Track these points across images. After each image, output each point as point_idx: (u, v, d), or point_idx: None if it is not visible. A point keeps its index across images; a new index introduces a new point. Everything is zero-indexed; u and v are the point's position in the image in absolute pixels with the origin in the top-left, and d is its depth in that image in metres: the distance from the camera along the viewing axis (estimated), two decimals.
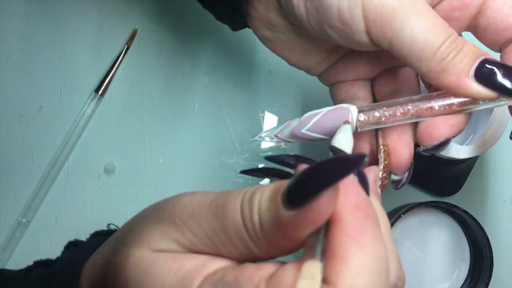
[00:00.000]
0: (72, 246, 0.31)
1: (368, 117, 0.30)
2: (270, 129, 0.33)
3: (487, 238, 0.44)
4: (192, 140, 0.51)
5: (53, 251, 0.48)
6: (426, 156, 0.45)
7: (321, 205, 0.19)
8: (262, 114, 0.52)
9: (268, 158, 0.28)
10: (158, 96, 0.51)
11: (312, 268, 0.19)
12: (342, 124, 0.30)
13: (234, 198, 0.22)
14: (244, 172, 0.28)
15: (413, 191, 0.52)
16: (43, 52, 0.50)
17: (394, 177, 0.33)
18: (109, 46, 0.51)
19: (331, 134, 0.30)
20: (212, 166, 0.51)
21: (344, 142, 0.28)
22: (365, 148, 0.33)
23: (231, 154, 0.51)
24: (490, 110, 0.44)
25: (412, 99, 0.30)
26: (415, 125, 0.32)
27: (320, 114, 0.31)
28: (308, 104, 0.52)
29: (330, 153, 0.27)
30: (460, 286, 0.47)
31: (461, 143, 0.44)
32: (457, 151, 0.43)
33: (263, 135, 0.33)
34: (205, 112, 0.51)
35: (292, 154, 0.26)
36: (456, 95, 0.29)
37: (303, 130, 0.31)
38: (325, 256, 0.20)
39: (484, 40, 0.31)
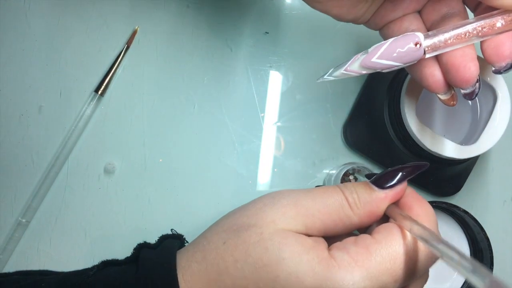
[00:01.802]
0: (145, 248, 0.34)
1: (434, 41, 0.32)
2: (336, 67, 0.34)
3: (487, 238, 0.44)
4: (192, 140, 0.51)
5: (53, 251, 0.48)
6: (426, 156, 0.45)
7: (400, 189, 0.32)
8: (262, 114, 0.52)
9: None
10: (157, 96, 0.51)
11: (408, 217, 0.30)
12: (411, 47, 0.32)
13: (332, 187, 0.32)
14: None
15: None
16: (43, 52, 0.50)
17: (465, 91, 0.34)
18: (109, 46, 0.51)
19: (402, 60, 0.32)
20: (212, 166, 0.51)
21: None
22: (437, 74, 0.34)
23: (231, 154, 0.51)
24: (491, 110, 0.44)
25: (473, 20, 0.31)
26: (473, 45, 0.33)
27: (388, 43, 0.32)
28: (308, 104, 0.52)
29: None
30: (460, 286, 0.47)
31: (461, 143, 0.44)
32: (457, 151, 0.43)
33: (333, 73, 0.34)
34: (205, 112, 0.51)
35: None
36: None
37: (374, 59, 0.32)
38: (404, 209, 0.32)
39: None
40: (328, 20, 0.38)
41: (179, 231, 0.41)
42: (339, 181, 0.48)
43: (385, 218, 0.33)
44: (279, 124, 0.52)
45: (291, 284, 0.29)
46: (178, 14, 0.52)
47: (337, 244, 0.31)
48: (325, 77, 0.35)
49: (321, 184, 0.52)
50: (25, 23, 0.50)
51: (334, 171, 0.50)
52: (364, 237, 0.31)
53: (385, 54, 0.32)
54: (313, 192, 0.32)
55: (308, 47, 0.53)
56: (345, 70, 0.34)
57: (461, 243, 0.48)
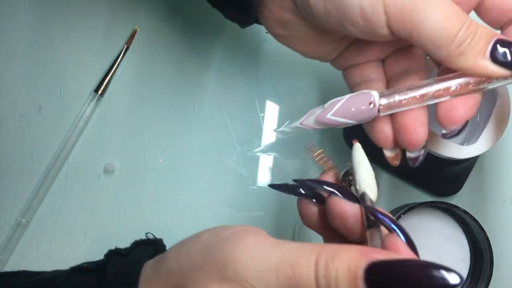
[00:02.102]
0: (116, 255, 0.32)
1: (390, 101, 0.32)
2: (291, 120, 0.35)
3: (487, 238, 0.44)
4: (192, 140, 0.51)
5: (53, 251, 0.48)
6: (425, 156, 0.45)
7: None
8: (262, 114, 0.52)
9: (275, 187, 0.31)
10: (157, 96, 0.51)
11: None
12: (365, 107, 0.32)
13: (305, 268, 0.23)
14: (272, 186, 0.30)
15: (413, 191, 0.52)
16: (43, 52, 0.50)
17: (410, 155, 0.35)
18: (108, 46, 0.51)
19: (356, 119, 0.32)
20: (212, 166, 0.51)
21: (366, 177, 0.29)
22: (387, 131, 0.34)
23: (231, 154, 0.51)
24: (491, 110, 0.44)
25: (429, 82, 0.32)
26: (426, 108, 0.34)
27: (344, 100, 0.32)
28: (308, 104, 0.52)
29: (356, 191, 0.29)
30: (460, 286, 0.47)
31: (461, 143, 0.44)
32: (457, 151, 0.43)
33: (289, 125, 0.35)
34: (205, 112, 0.51)
35: (298, 184, 0.29)
36: (473, 76, 0.31)
37: (328, 116, 0.33)
38: None
39: (487, 19, 0.33)
40: None
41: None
42: (339, 181, 0.48)
43: None
44: (277, 133, 0.52)
45: None
46: (177, 14, 0.52)
47: None
48: (282, 129, 0.35)
49: None
50: (25, 23, 0.50)
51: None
52: None
53: (340, 112, 0.32)
54: (277, 270, 0.24)
55: None
56: (300, 123, 0.34)
57: (461, 243, 0.48)
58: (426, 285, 0.21)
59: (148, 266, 0.30)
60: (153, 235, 0.35)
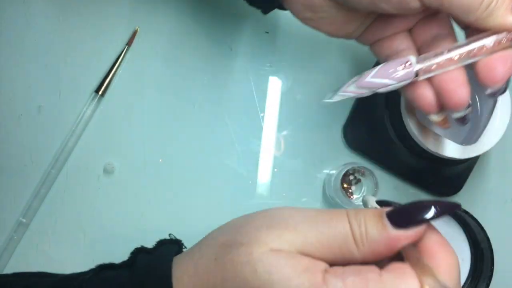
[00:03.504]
0: (142, 252, 0.34)
1: (426, 64, 0.33)
2: (334, 90, 0.36)
3: (487, 238, 0.44)
4: (192, 140, 0.51)
5: (53, 251, 0.48)
6: (426, 156, 0.45)
7: (421, 230, 0.28)
8: (262, 114, 0.52)
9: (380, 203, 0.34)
10: (157, 96, 0.51)
11: (426, 263, 0.27)
12: (403, 66, 0.34)
13: (340, 214, 0.28)
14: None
15: (413, 191, 0.52)
16: (42, 52, 0.50)
17: (457, 115, 0.36)
18: (108, 46, 0.51)
19: (395, 78, 0.34)
20: (212, 166, 0.51)
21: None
22: (429, 96, 0.35)
23: (231, 154, 0.51)
24: (492, 110, 0.44)
25: (463, 43, 0.33)
26: (463, 69, 0.35)
27: (381, 65, 0.34)
28: (308, 104, 0.52)
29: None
30: (460, 286, 0.47)
31: (462, 143, 0.44)
32: (458, 151, 0.43)
33: (332, 97, 0.36)
34: (205, 112, 0.51)
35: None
36: (505, 31, 0.32)
37: (368, 78, 0.34)
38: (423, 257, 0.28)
39: None
40: None
41: (179, 231, 0.41)
42: (339, 181, 0.48)
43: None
44: (281, 131, 0.52)
45: None
46: (178, 14, 0.52)
47: (337, 268, 0.28)
48: (326, 100, 0.37)
49: (321, 184, 0.52)
50: (24, 23, 0.50)
51: (334, 171, 0.50)
52: (370, 269, 0.27)
53: (380, 73, 0.34)
54: (316, 217, 0.28)
55: (308, 47, 0.53)
56: (343, 91, 0.36)
57: (462, 244, 0.48)
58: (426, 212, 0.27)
59: (178, 269, 0.31)
60: (175, 237, 0.37)
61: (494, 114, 0.44)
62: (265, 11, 0.40)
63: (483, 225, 0.44)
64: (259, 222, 0.29)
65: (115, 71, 0.50)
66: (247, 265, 0.28)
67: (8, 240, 0.48)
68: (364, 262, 0.28)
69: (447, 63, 0.33)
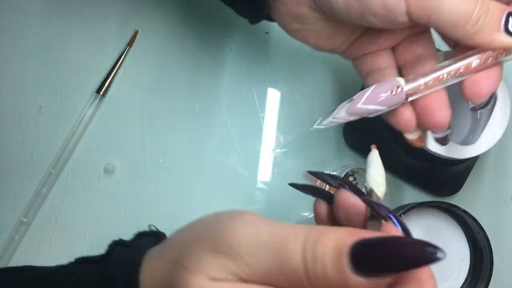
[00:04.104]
0: (119, 245, 0.33)
1: (415, 85, 0.33)
2: (324, 116, 0.36)
3: (487, 238, 0.44)
4: (192, 140, 0.51)
5: (53, 251, 0.48)
6: (426, 156, 0.45)
7: (390, 278, 0.22)
8: (262, 114, 0.52)
9: (296, 186, 0.32)
10: (158, 97, 0.51)
11: None
12: (394, 92, 0.33)
13: (294, 243, 0.23)
14: (293, 185, 0.31)
15: (413, 191, 0.52)
16: (43, 52, 0.50)
17: (437, 135, 0.37)
18: (109, 46, 0.51)
19: (386, 104, 0.33)
20: (212, 166, 0.51)
21: (376, 175, 0.30)
22: (408, 115, 0.35)
23: (231, 154, 0.51)
24: (491, 110, 0.44)
25: (450, 62, 0.33)
26: (445, 90, 0.35)
27: (371, 89, 0.34)
28: (308, 104, 0.52)
29: (366, 192, 0.29)
30: (460, 286, 0.47)
31: (461, 143, 0.44)
32: (457, 151, 0.43)
33: (322, 122, 0.36)
34: (205, 112, 0.51)
35: (331, 173, 0.29)
36: (491, 49, 0.32)
37: (359, 105, 0.34)
38: None
39: None
40: None
41: None
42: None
43: None
44: (281, 131, 0.52)
45: None
46: (178, 14, 0.52)
47: None
48: (315, 126, 0.36)
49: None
50: (25, 23, 0.50)
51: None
52: None
53: (370, 100, 0.34)
54: (268, 245, 0.24)
55: (308, 47, 0.53)
56: (333, 118, 0.35)
57: (461, 243, 0.48)
58: (415, 259, 0.21)
59: (151, 252, 0.30)
60: (156, 228, 0.35)
61: (493, 114, 0.44)
62: (253, 21, 0.40)
63: (482, 224, 0.44)
64: (207, 242, 0.26)
65: (116, 72, 0.50)
66: None
67: (9, 240, 0.48)
68: None
69: (435, 83, 0.33)
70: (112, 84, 0.50)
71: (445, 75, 0.33)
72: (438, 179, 0.51)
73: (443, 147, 0.43)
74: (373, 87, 0.34)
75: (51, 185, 0.49)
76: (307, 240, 0.23)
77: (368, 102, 0.34)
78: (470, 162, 0.50)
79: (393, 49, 0.38)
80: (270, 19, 0.39)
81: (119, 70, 0.50)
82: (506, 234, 0.52)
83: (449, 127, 0.36)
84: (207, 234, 0.26)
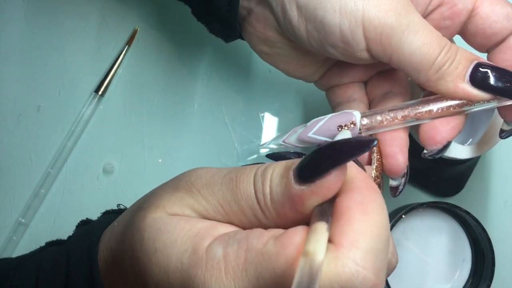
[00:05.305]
0: (84, 224, 0.33)
1: (371, 121, 0.32)
2: (276, 137, 0.35)
3: (488, 238, 0.44)
4: (192, 140, 0.51)
5: None
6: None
7: (331, 181, 0.22)
8: (262, 114, 0.52)
9: (271, 156, 0.30)
10: (157, 96, 0.51)
11: (320, 229, 0.21)
12: (344, 128, 0.32)
13: (248, 172, 0.24)
14: (269, 156, 0.31)
15: (414, 191, 0.52)
16: (41, 52, 0.50)
17: (392, 182, 0.34)
18: (108, 46, 0.50)
19: (336, 138, 0.32)
20: (212, 166, 0.50)
21: None
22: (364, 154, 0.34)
23: (231, 154, 0.51)
24: (492, 110, 0.44)
25: (411, 104, 0.32)
26: (408, 131, 0.34)
27: (326, 119, 0.33)
28: (308, 104, 0.52)
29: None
30: (461, 287, 0.47)
31: (463, 144, 0.44)
32: (459, 151, 0.43)
33: (271, 143, 0.35)
34: (205, 112, 0.51)
35: (293, 151, 0.30)
36: (454, 99, 0.31)
37: (310, 134, 0.33)
38: (332, 220, 0.21)
39: (473, 44, 0.33)
40: None
41: None
42: None
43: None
44: (281, 131, 0.52)
45: (160, 280, 0.24)
46: (178, 13, 0.52)
47: (231, 233, 0.23)
48: (267, 145, 0.35)
49: None
50: (24, 22, 0.50)
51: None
52: (258, 236, 0.22)
53: (321, 131, 0.32)
54: (224, 178, 0.25)
55: None
56: (282, 141, 0.34)
57: (463, 244, 0.47)
58: (349, 146, 0.22)
59: (103, 239, 0.29)
60: (125, 206, 0.35)
61: (495, 114, 0.44)
62: (226, 40, 0.39)
63: (484, 225, 0.44)
64: (167, 185, 0.27)
65: (115, 71, 0.50)
66: (137, 232, 0.25)
67: (7, 241, 0.47)
68: (279, 227, 0.23)
69: (393, 122, 0.32)
70: (111, 83, 0.50)
71: (403, 116, 0.32)
72: (440, 179, 0.51)
73: None
74: (328, 117, 0.33)
75: (50, 185, 0.48)
76: (257, 171, 0.24)
77: (319, 133, 0.32)
78: (472, 163, 0.50)
79: (366, 83, 0.37)
80: (244, 38, 0.38)
81: (118, 70, 0.50)
82: (508, 234, 0.52)
83: (404, 175, 0.33)
84: (171, 180, 0.27)
